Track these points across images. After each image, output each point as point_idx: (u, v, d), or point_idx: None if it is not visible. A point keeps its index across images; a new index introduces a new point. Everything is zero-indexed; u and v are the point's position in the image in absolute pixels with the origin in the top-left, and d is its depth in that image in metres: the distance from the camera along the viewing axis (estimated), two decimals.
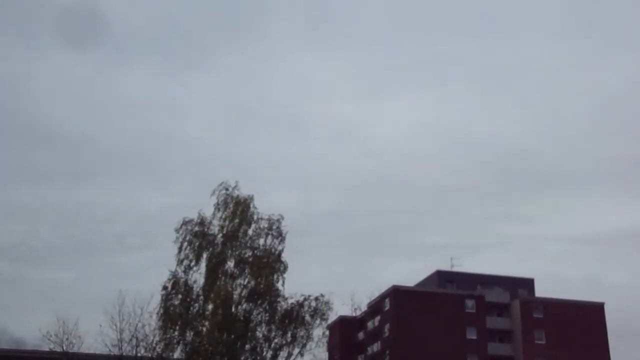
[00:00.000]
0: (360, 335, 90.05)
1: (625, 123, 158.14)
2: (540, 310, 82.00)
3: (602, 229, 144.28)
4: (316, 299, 34.19)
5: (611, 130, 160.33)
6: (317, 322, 34.25)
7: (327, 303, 34.29)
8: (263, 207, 36.67)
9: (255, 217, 34.43)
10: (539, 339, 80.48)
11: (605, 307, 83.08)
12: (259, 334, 33.83)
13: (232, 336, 34.30)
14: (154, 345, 35.22)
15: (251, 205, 34.57)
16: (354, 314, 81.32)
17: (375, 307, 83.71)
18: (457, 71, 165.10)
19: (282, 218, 34.70)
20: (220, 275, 34.71)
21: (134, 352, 36.36)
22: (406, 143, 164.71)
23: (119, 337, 36.08)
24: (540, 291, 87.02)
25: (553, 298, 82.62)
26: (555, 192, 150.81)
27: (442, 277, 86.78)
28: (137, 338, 35.65)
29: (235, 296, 34.59)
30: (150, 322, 35.21)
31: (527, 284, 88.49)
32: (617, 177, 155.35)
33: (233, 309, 34.31)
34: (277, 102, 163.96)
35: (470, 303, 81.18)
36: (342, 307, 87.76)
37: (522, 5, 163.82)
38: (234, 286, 34.12)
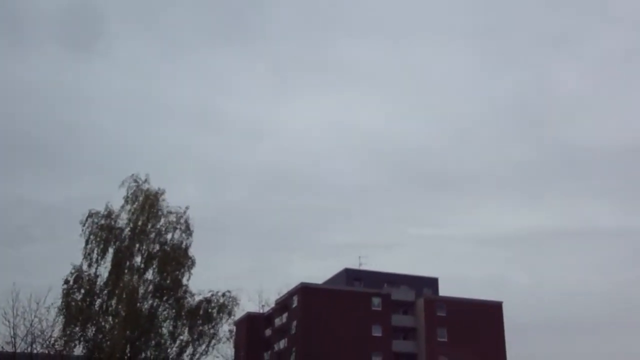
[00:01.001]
0: (268, 332, 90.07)
1: (527, 128, 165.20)
2: (444, 308, 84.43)
3: (503, 231, 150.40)
4: (223, 295, 33.87)
5: (514, 135, 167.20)
6: (224, 318, 33.95)
7: (234, 299, 34.05)
8: (173, 200, 36.04)
9: (164, 211, 33.71)
10: (441, 337, 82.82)
11: (504, 305, 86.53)
12: (164, 330, 33.20)
13: (136, 332, 33.52)
14: (52, 341, 33.86)
15: (161, 199, 33.86)
16: (261, 311, 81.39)
17: (283, 304, 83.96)
18: (365, 73, 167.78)
19: (188, 208, 34.00)
20: (126, 270, 33.83)
21: (29, 349, 34.77)
22: (316, 142, 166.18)
23: (12, 334, 34.39)
24: (444, 290, 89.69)
25: (455, 297, 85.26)
26: (459, 194, 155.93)
27: (350, 275, 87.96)
28: (32, 334, 34.15)
29: (141, 292, 33.81)
30: (48, 318, 33.82)
31: (432, 283, 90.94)
32: (518, 181, 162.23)
33: (138, 305, 33.51)
34: (189, 97, 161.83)
35: (376, 301, 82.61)
36: (249, 304, 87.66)
37: (429, 9, 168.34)
38: (140, 281, 33.34)
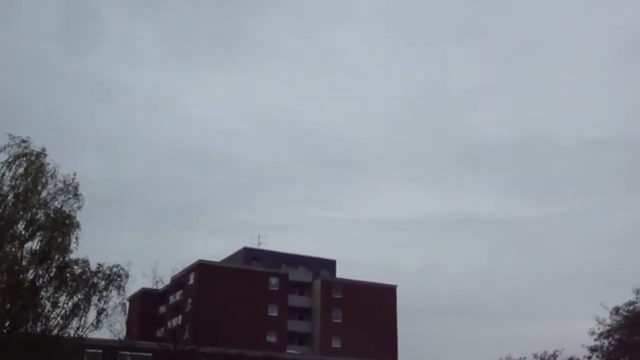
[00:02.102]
0: (162, 309, 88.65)
1: (429, 117, 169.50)
2: (340, 290, 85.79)
3: (401, 217, 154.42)
4: (112, 267, 32.68)
5: (417, 122, 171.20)
6: (113, 292, 32.79)
7: (124, 272, 32.91)
8: (71, 172, 34.32)
9: (50, 176, 32.03)
10: (336, 318, 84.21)
11: (398, 289, 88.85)
12: (47, 302, 31.76)
13: (18, 304, 31.92)
14: None
15: (47, 164, 32.18)
16: (156, 287, 79.78)
17: (179, 281, 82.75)
18: (274, 52, 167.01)
19: (76, 174, 32.42)
20: (8, 239, 32.05)
21: None
22: (221, 120, 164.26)
23: None
24: (342, 272, 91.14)
25: (352, 279, 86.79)
26: (360, 178, 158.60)
27: (249, 254, 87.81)
28: None
29: (24, 262, 32.17)
30: None
31: (330, 265, 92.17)
32: (417, 168, 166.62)
33: (21, 276, 31.88)
34: (92, 67, 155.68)
35: (274, 281, 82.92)
36: (144, 280, 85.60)
37: None
38: (22, 251, 31.69)
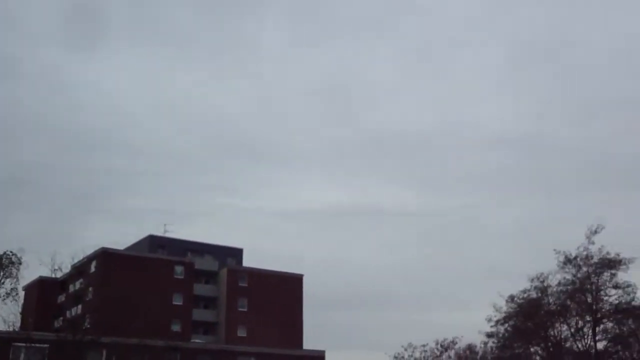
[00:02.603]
0: (62, 298, 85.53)
1: (341, 109, 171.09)
2: (246, 279, 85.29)
3: (308, 206, 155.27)
4: (1, 255, 31.07)
5: (328, 114, 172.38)
6: (3, 279, 31.19)
7: (16, 259, 31.37)
8: None
9: None
10: (241, 307, 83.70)
11: (304, 278, 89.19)
12: None
13: None
14: None
15: None
16: (54, 275, 76.80)
17: (80, 269, 79.97)
18: (188, 37, 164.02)
19: None
20: None
21: None
22: (124, 103, 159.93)
23: None
24: (249, 261, 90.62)
25: (258, 268, 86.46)
26: (267, 167, 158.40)
27: (154, 242, 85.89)
28: None
29: None
30: None
31: (237, 253, 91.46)
32: (325, 159, 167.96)
33: None
34: None
35: (179, 269, 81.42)
36: (42, 268, 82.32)
37: None
38: None
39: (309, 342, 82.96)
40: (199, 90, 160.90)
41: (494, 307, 55.63)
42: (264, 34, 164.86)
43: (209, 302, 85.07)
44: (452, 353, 58.53)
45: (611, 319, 53.59)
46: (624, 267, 52.19)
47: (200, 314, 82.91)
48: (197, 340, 77.51)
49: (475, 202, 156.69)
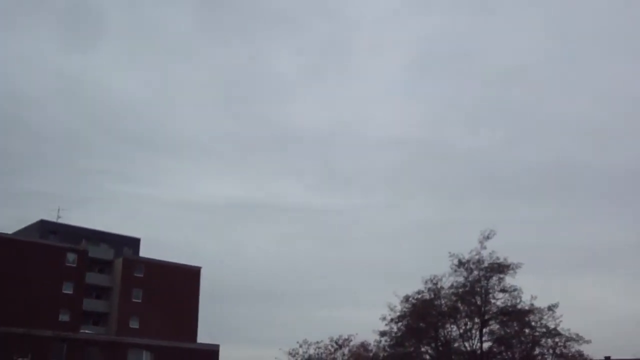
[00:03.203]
0: None
1: (239, 102, 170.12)
2: (142, 269, 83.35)
3: (206, 198, 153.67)
4: None
5: (226, 106, 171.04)
6: None
7: None
8: None
9: None
10: (136, 297, 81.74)
11: (202, 271, 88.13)
12: None
13: None
14: None
15: None
16: None
17: None
18: (92, 19, 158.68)
19: None
20: None
21: None
22: (23, 83, 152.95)
23: None
24: (146, 251, 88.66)
25: (155, 259, 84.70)
26: (168, 157, 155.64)
27: (46, 228, 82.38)
28: None
29: None
30: None
31: (134, 243, 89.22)
32: (224, 152, 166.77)
33: None
34: None
35: (72, 257, 78.44)
36: None
37: None
38: None
39: (204, 336, 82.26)
40: (100, 76, 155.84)
41: (389, 306, 56.90)
42: (171, 23, 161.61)
43: (102, 292, 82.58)
44: (346, 350, 59.34)
45: (497, 321, 55.99)
46: (511, 271, 54.61)
47: (91, 304, 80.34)
48: (86, 331, 75.10)
49: (372, 202, 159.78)
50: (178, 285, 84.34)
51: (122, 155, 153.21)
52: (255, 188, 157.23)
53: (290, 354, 58.20)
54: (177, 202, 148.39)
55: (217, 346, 76.31)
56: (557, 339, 54.41)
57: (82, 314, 77.84)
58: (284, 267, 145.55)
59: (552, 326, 54.25)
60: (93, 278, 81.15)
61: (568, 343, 53.93)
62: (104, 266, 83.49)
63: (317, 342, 58.80)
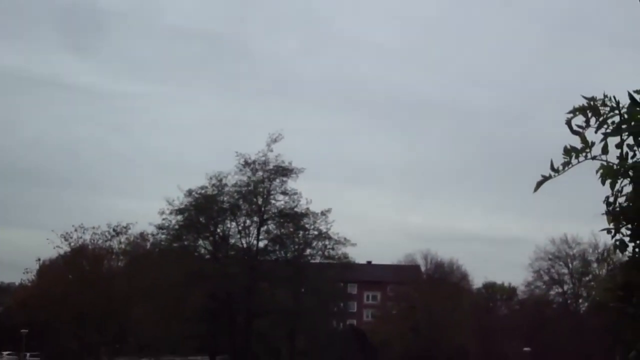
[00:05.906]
0: None
1: None
2: None
3: None
4: None
5: None
6: None
7: None
8: None
9: None
10: None
11: None
12: None
13: None
14: None
15: None
16: None
17: None
18: None
19: None
20: None
21: None
22: None
23: None
24: None
25: None
26: None
27: None
28: None
29: None
30: None
31: None
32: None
33: None
34: None
35: None
36: None
37: None
38: None
39: None
40: None
41: (167, 200, 56.73)
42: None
43: None
44: (123, 238, 58.38)
45: (275, 221, 58.67)
46: (294, 176, 57.19)
47: None
48: None
49: (160, 91, 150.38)
50: None
51: None
52: (39, 60, 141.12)
53: (64, 237, 55.72)
54: None
55: None
56: (327, 242, 58.63)
57: None
58: (63, 150, 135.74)
59: (324, 230, 58.26)
60: None
61: (336, 246, 58.40)
62: None
63: (94, 228, 56.78)
